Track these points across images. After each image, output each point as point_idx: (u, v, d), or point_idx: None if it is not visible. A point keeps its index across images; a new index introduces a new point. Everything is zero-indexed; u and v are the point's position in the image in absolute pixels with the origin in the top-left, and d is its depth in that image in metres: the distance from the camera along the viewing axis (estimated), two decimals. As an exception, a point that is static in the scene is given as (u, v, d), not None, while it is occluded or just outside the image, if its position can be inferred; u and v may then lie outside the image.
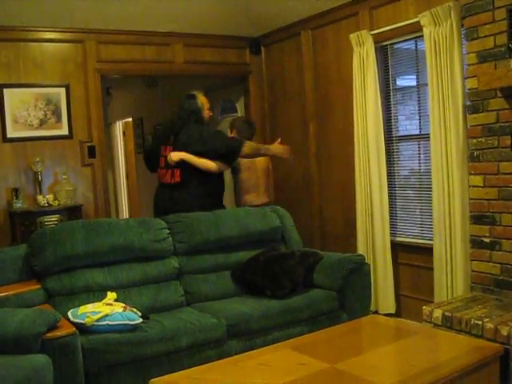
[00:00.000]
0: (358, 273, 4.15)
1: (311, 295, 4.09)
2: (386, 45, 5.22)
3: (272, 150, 5.10)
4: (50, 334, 2.94)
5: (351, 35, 5.26)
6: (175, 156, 4.85)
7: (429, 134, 4.66)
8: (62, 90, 5.74)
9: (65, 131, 5.76)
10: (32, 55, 5.62)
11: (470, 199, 4.27)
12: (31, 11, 5.38)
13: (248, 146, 4.94)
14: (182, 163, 4.84)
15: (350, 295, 4.11)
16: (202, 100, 5.06)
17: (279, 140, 5.23)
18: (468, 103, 4.24)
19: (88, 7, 5.56)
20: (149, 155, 5.30)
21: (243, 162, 5.30)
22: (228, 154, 4.90)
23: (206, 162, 4.86)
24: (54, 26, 5.67)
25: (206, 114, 5.08)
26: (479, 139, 4.11)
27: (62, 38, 5.77)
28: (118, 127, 10.74)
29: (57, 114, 5.72)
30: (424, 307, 3.94)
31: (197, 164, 4.86)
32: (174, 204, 4.82)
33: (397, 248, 5.22)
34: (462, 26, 4.28)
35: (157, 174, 5.14)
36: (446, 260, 4.52)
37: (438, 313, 3.80)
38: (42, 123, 5.65)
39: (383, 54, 5.28)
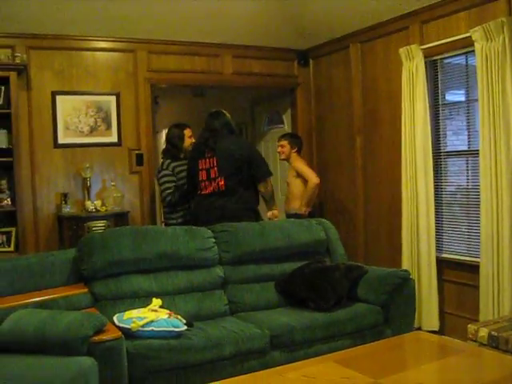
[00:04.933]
0: (403, 288, 4.09)
1: (355, 309, 4.05)
2: (436, 59, 5.17)
3: (272, 215, 5.30)
4: (96, 338, 2.99)
5: (401, 49, 5.23)
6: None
7: (477, 151, 4.60)
8: (113, 98, 5.86)
9: (114, 139, 5.88)
10: (84, 63, 5.75)
11: (520, 217, 4.21)
12: (85, 21, 5.50)
13: (270, 184, 5.19)
14: (229, 172, 4.94)
15: (394, 310, 4.06)
16: (228, 115, 5.24)
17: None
18: (520, 120, 4.18)
19: (140, 18, 5.66)
20: (192, 175, 5.25)
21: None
22: (260, 176, 5.09)
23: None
24: (107, 36, 5.79)
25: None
26: (531, 157, 4.05)
27: (114, 47, 5.89)
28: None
29: (107, 121, 5.83)
30: (469, 326, 3.87)
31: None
32: (223, 211, 4.91)
33: (442, 264, 5.16)
34: (515, 41, 4.23)
35: (191, 190, 5.27)
36: (493, 278, 4.44)
37: (483, 332, 3.72)
38: (92, 130, 5.77)
39: (433, 68, 5.24)
